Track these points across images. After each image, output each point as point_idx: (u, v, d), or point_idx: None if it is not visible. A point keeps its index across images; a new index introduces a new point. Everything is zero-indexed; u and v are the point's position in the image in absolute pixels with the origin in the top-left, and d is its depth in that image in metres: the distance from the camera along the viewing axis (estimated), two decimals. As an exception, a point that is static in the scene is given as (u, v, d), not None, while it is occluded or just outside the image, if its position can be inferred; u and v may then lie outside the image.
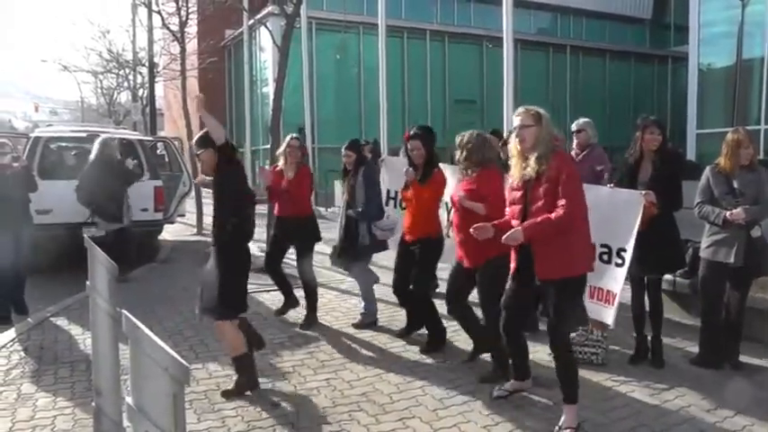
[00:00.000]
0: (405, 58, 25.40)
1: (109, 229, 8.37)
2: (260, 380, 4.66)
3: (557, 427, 3.85)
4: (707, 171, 4.94)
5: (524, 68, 23.74)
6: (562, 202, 3.71)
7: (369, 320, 6.23)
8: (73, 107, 54.69)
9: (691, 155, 17.31)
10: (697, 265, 5.16)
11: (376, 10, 12.47)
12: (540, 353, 5.02)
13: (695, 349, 5.11)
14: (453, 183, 5.43)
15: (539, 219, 3.77)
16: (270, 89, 22.27)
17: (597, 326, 4.99)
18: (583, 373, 4.78)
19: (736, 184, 4.72)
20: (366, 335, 5.90)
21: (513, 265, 4.07)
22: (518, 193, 3.98)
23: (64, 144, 11.44)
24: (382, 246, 6.27)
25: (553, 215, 3.71)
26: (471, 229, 4.15)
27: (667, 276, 5.67)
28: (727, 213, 4.63)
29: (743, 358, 4.95)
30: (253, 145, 23.32)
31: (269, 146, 10.37)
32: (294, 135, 6.78)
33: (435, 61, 26.53)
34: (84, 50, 49.02)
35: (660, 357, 4.99)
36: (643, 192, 4.70)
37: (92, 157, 8.47)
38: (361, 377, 4.83)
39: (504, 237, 3.85)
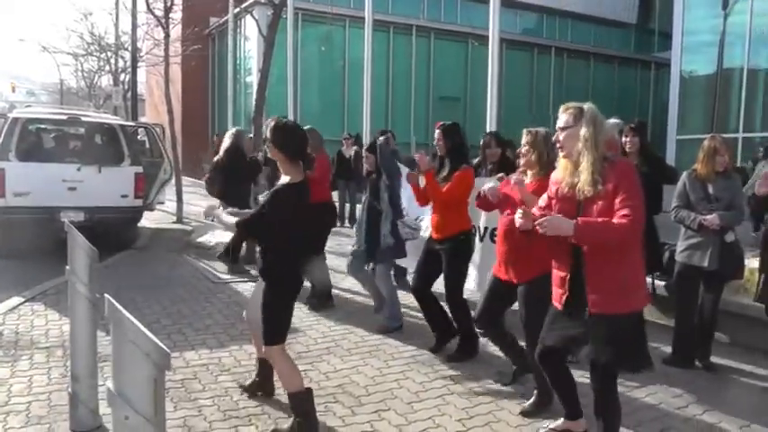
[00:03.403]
0: (390, 52, 25.35)
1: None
2: (238, 371, 4.69)
3: None
4: (684, 176, 5.05)
5: (509, 68, 23.85)
6: (624, 211, 3.07)
7: (394, 324, 5.89)
8: (51, 89, 53.93)
9: (670, 160, 17.53)
10: (673, 267, 5.25)
11: (363, 3, 12.42)
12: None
13: (669, 349, 5.20)
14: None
15: (599, 219, 3.13)
16: (253, 79, 22.08)
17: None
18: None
19: (711, 190, 4.83)
20: (343, 327, 5.92)
21: (560, 293, 3.39)
22: (568, 205, 3.28)
23: (43, 126, 11.31)
24: (402, 249, 5.97)
25: (615, 220, 3.09)
26: (516, 216, 3.40)
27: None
28: (702, 219, 4.73)
29: (714, 359, 5.06)
30: (235, 134, 23.16)
31: (251, 135, 10.33)
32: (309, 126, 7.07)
33: (420, 57, 26.51)
34: (65, 32, 48.47)
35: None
36: None
37: (224, 146, 8.32)
38: (337, 369, 4.86)
39: (546, 221, 3.16)
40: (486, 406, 4.21)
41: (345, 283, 7.35)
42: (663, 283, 5.93)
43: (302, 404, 3.72)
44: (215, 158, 8.57)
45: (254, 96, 11.58)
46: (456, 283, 5.21)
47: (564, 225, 3.13)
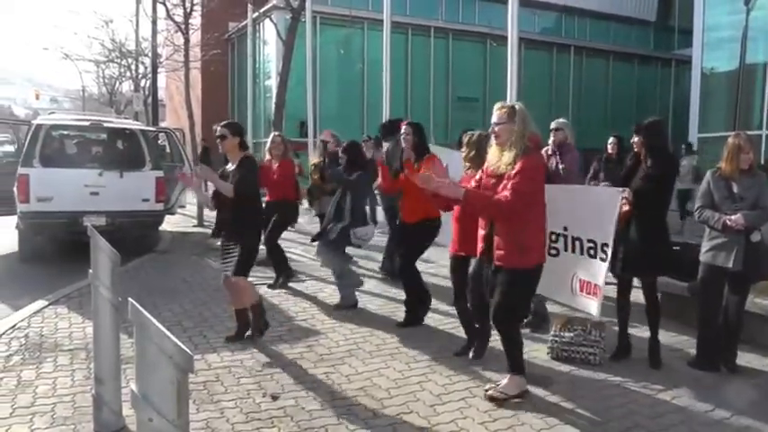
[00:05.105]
0: (408, 54, 25.38)
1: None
2: (258, 372, 4.71)
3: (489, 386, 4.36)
4: (707, 175, 4.95)
5: (528, 68, 23.74)
6: (507, 192, 3.94)
7: (347, 303, 6.57)
8: (74, 96, 54.70)
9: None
10: (690, 269, 5.17)
11: (381, 6, 12.43)
12: (539, 351, 5.09)
13: (693, 351, 5.13)
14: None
15: (486, 193, 4.09)
16: (272, 83, 22.20)
17: (595, 326, 5.01)
18: (580, 372, 4.84)
19: (735, 189, 4.74)
20: (364, 330, 5.91)
21: (480, 247, 4.35)
22: (491, 181, 4.17)
23: (66, 132, 11.44)
24: (345, 242, 6.59)
25: (496, 197, 3.99)
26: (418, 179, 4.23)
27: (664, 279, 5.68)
28: (727, 219, 4.65)
29: (740, 361, 4.98)
30: (254, 138, 23.24)
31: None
32: (276, 132, 8.32)
33: (439, 58, 26.51)
34: (86, 39, 49.12)
35: (657, 358, 5.01)
36: (621, 189, 4.76)
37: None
38: (359, 372, 4.85)
39: (444, 183, 4.06)
40: (509, 410, 4.18)
41: (367, 285, 7.35)
42: (685, 283, 5.84)
43: (259, 309, 5.55)
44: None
45: (274, 100, 11.63)
46: (414, 257, 6.06)
47: (458, 190, 4.05)
